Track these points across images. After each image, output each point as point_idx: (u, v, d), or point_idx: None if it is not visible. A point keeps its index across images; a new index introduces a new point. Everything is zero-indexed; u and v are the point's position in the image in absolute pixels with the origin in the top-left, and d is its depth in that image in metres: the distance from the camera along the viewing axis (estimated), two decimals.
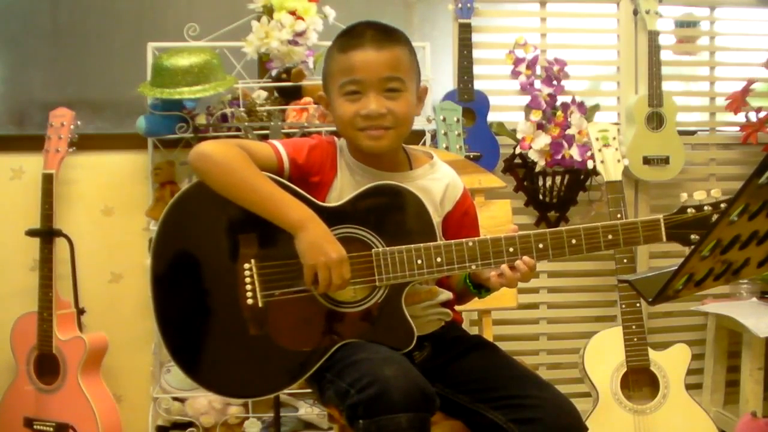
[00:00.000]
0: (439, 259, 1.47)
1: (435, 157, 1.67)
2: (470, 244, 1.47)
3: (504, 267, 1.47)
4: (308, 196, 1.50)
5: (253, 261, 1.48)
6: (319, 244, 1.43)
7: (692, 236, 1.45)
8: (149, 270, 1.49)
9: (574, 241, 1.47)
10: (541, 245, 1.47)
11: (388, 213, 1.50)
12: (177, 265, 1.50)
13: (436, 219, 1.58)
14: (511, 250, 1.47)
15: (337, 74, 1.52)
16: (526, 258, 1.46)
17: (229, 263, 1.48)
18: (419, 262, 1.47)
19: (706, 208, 1.45)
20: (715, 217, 1.44)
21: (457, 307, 1.70)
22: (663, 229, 1.46)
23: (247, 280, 1.47)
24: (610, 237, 1.47)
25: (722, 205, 1.45)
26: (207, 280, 1.49)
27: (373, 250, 1.48)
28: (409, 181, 1.56)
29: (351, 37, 1.52)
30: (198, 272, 1.49)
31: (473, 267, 1.48)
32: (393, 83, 1.50)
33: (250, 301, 1.47)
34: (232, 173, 1.46)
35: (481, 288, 1.59)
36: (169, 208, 1.50)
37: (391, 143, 1.54)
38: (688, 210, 1.46)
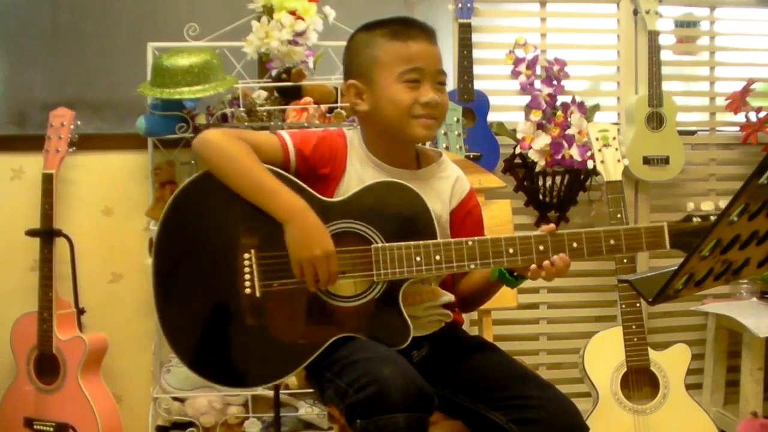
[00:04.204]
0: (438, 257, 1.47)
1: (443, 155, 1.69)
2: (470, 243, 1.47)
3: (546, 263, 1.46)
4: (310, 190, 1.51)
5: (253, 251, 1.48)
6: (304, 237, 1.44)
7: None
8: (152, 260, 1.51)
9: (575, 245, 1.46)
10: (541, 247, 1.46)
11: (389, 210, 1.51)
12: (179, 256, 1.51)
13: (445, 215, 1.59)
14: (510, 251, 1.46)
15: (396, 61, 1.52)
16: (562, 255, 1.46)
17: (230, 253, 1.49)
18: (418, 259, 1.47)
19: (712, 217, 1.44)
20: None
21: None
22: (667, 236, 1.45)
23: (246, 270, 1.48)
24: (612, 242, 1.46)
25: None
26: (208, 270, 1.50)
27: (372, 245, 1.48)
28: (418, 180, 1.57)
29: (404, 26, 1.55)
30: (200, 261, 1.50)
31: (472, 266, 1.48)
32: (442, 77, 1.56)
33: (248, 291, 1.48)
34: (229, 160, 1.48)
35: (518, 276, 1.55)
36: (174, 200, 1.51)
37: (434, 134, 1.59)
38: (694, 219, 1.45)
